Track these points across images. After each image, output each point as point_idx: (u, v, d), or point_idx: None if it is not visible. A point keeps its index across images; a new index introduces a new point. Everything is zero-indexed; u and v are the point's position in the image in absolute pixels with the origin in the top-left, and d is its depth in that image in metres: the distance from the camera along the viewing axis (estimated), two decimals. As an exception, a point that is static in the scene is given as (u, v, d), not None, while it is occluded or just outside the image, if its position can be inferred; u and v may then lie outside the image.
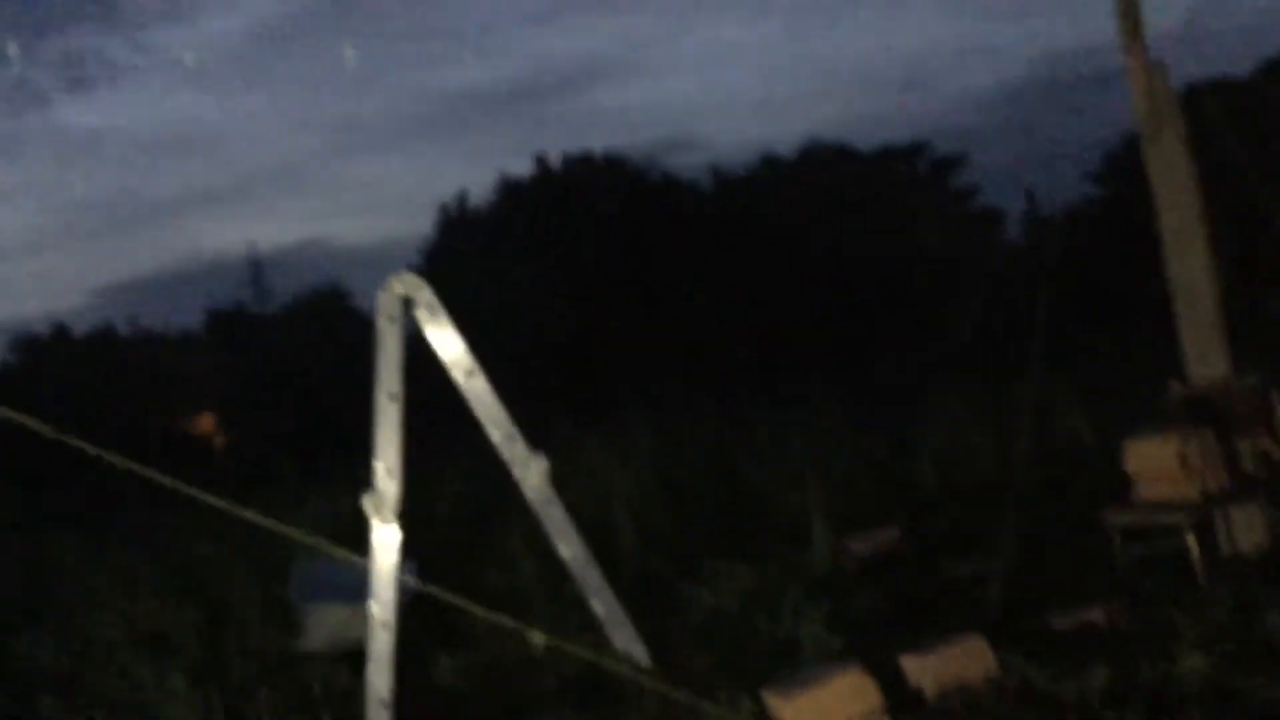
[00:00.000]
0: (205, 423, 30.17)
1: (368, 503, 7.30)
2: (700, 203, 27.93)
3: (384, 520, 7.25)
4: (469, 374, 7.55)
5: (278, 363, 28.78)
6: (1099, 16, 8.93)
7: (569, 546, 7.77)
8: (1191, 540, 7.53)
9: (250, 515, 6.01)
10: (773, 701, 6.12)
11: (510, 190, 30.24)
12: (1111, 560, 7.88)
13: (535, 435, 8.15)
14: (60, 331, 32.25)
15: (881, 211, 24.36)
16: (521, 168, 30.60)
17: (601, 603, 7.79)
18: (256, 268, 33.88)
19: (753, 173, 28.81)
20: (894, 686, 6.21)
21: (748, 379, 18.38)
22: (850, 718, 5.94)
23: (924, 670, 6.28)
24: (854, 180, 25.87)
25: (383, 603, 7.31)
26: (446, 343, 7.52)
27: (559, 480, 7.86)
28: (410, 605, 7.89)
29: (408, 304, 7.51)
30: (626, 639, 7.71)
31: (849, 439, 12.16)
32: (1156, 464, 7.83)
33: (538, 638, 6.55)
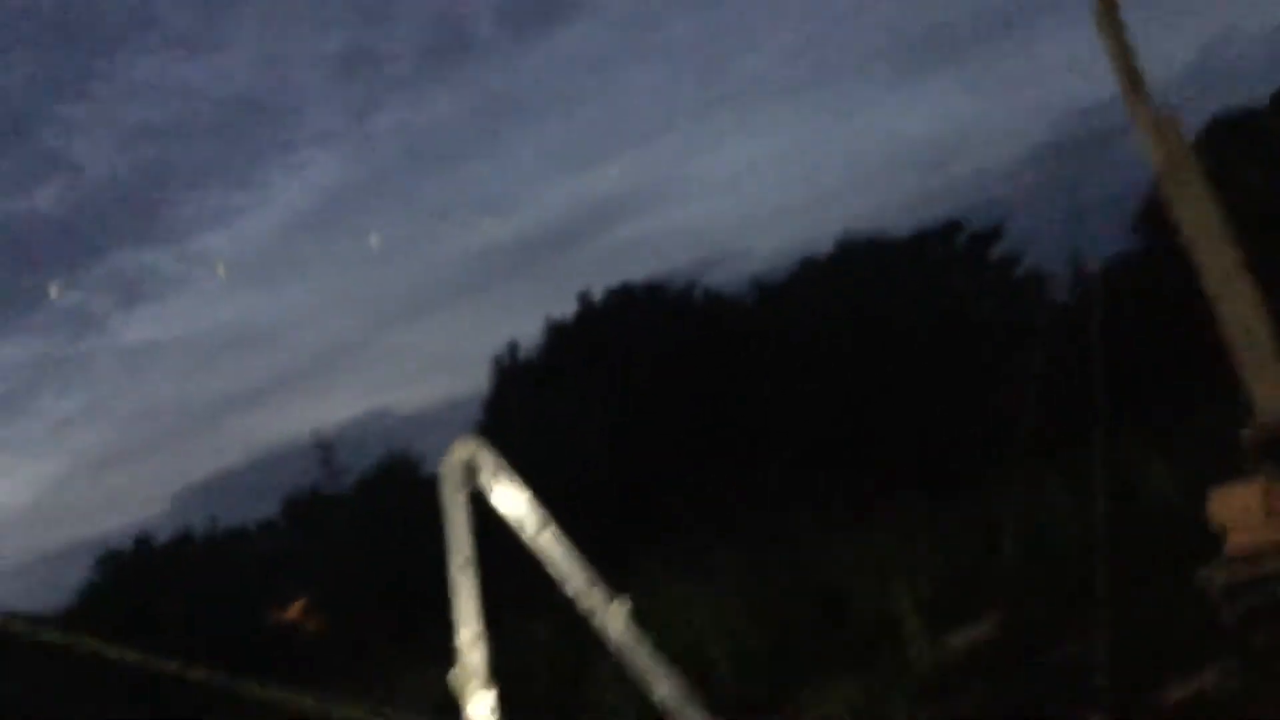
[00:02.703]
0: (295, 610, 30.27)
1: (456, 677, 7.31)
2: (744, 315, 28.03)
3: (472, 691, 7.24)
4: (538, 530, 7.60)
5: (357, 538, 28.93)
6: (1107, 70, 8.95)
7: (662, 686, 7.69)
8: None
9: (346, 711, 6.03)
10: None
11: (558, 333, 30.55)
12: (1215, 618, 7.63)
13: (613, 573, 8.12)
14: (142, 542, 32.71)
15: (922, 293, 24.27)
16: (567, 309, 31.03)
17: (707, 741, 7.68)
18: (324, 449, 34.33)
19: (793, 277, 28.92)
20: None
21: (817, 486, 18.18)
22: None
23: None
24: (891, 268, 25.86)
25: (488, 772, 7.26)
26: (512, 502, 7.59)
27: (643, 618, 7.81)
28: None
29: (471, 468, 7.61)
30: (737, 773, 7.57)
31: (929, 531, 11.94)
32: (1243, 512, 7.62)
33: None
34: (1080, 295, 21.00)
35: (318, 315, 71.01)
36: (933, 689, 8.04)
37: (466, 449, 7.71)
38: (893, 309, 23.29)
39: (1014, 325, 20.58)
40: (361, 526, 29.14)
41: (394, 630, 22.78)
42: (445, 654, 7.77)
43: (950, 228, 29.42)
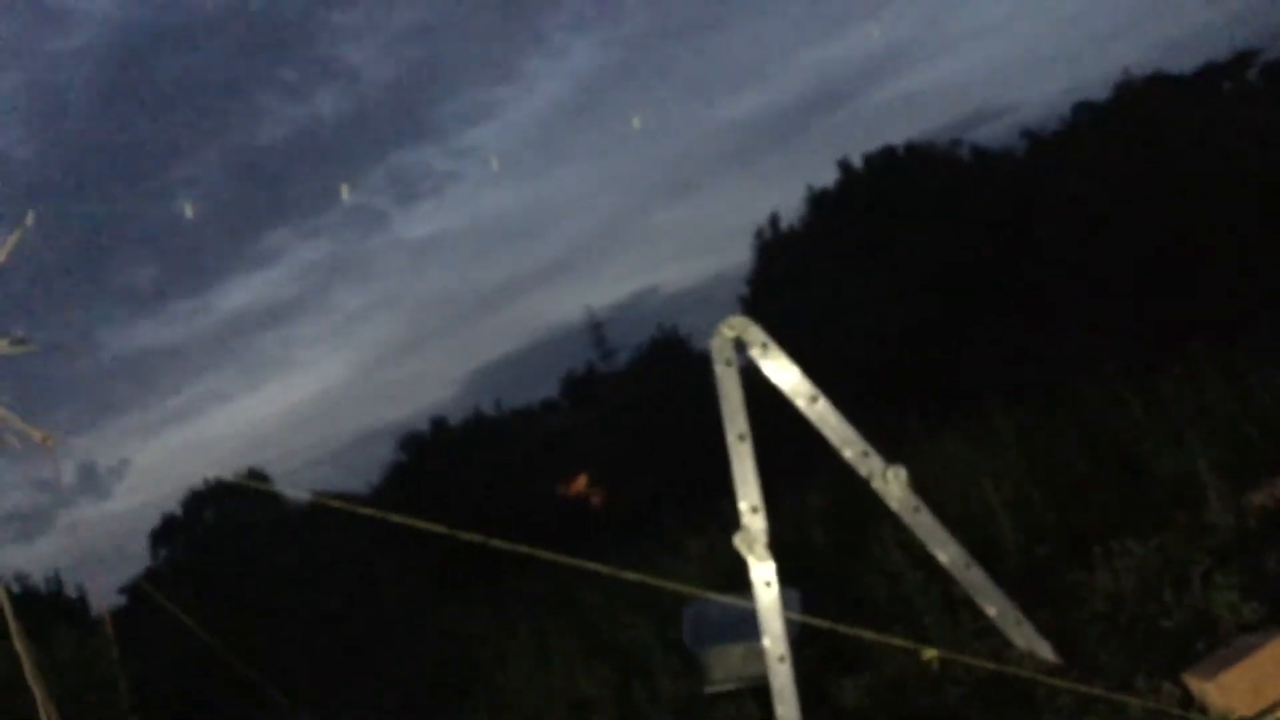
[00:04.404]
0: (579, 483, 31.84)
1: (739, 543, 7.49)
2: (1015, 169, 26.83)
3: (758, 558, 7.41)
4: (811, 400, 7.63)
5: (633, 415, 29.98)
6: None
7: (945, 551, 7.66)
8: None
9: (633, 575, 6.31)
10: (1196, 684, 5.76)
11: (819, 202, 30.23)
12: None
13: (889, 442, 8.09)
14: (439, 424, 35.09)
15: (1212, 132, 22.49)
16: (828, 178, 30.62)
17: (992, 603, 7.61)
18: (596, 330, 35.71)
19: (1067, 125, 27.43)
20: (1331, 648, 5.70)
21: (1104, 342, 17.38)
22: (1287, 689, 5.51)
23: (1364, 626, 5.74)
24: (1176, 107, 24.04)
25: (774, 637, 7.46)
26: (783, 375, 7.64)
27: (922, 485, 7.77)
28: (801, 634, 8.00)
29: (739, 344, 7.70)
30: (1027, 637, 7.48)
31: (1227, 385, 11.23)
32: None
33: (930, 654, 6.47)
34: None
35: (583, 200, 72.88)
36: (1235, 550, 7.64)
37: (734, 326, 7.77)
38: (1180, 151, 21.71)
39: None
40: (636, 403, 30.12)
41: (673, 501, 23.57)
42: (724, 524, 7.98)
43: (1241, 59, 27.10)
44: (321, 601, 26.07)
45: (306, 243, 74.42)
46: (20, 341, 7.64)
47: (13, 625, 8.37)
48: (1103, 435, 11.41)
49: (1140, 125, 23.74)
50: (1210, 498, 8.50)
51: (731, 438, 7.55)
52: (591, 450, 31.04)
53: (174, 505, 33.83)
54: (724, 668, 9.44)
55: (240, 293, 75.84)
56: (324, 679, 18.49)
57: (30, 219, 7.50)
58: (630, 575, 6.30)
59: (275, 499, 31.16)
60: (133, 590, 26.15)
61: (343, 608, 25.69)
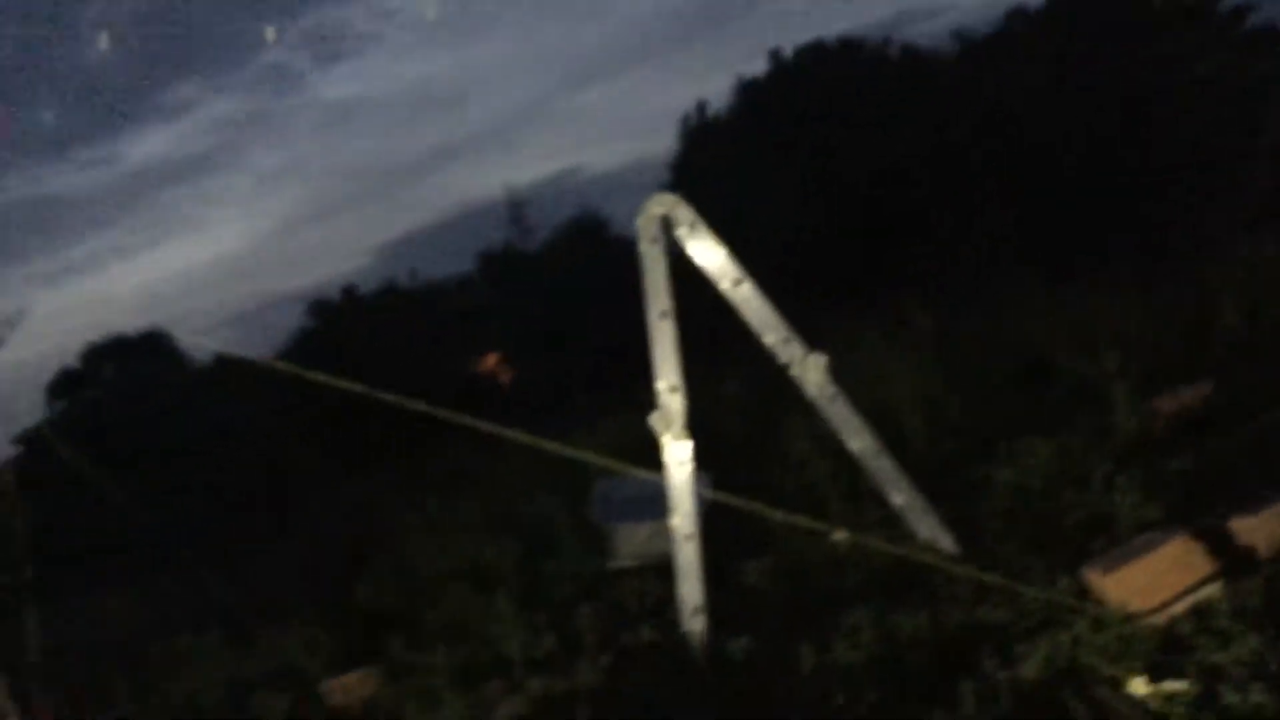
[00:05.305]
0: (490, 361, 31.62)
1: (656, 421, 7.46)
2: (944, 70, 26.73)
3: (674, 436, 7.39)
4: (736, 282, 7.56)
5: (549, 295, 29.74)
6: None
7: (858, 440, 7.71)
8: None
9: (550, 445, 6.24)
10: (1094, 578, 5.88)
11: (748, 91, 29.87)
12: None
13: (809, 332, 8.09)
14: (350, 293, 34.44)
15: (1141, 46, 22.60)
16: (757, 69, 30.26)
17: (899, 493, 7.71)
18: (516, 208, 35.05)
19: (998, 30, 27.35)
20: (1223, 550, 5.86)
21: (1022, 249, 17.57)
22: (1182, 586, 5.66)
23: (1256, 530, 5.89)
24: (1107, 19, 24.08)
25: (683, 515, 7.49)
26: (709, 255, 7.55)
27: (839, 374, 7.78)
28: (709, 514, 8.04)
29: (666, 223, 7.57)
30: (930, 528, 7.60)
31: (1144, 295, 11.40)
32: None
33: (840, 535, 6.52)
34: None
35: (507, 75, 71.36)
36: (1139, 453, 7.81)
37: (663, 203, 7.63)
38: (1108, 63, 21.77)
39: (1244, 82, 19.05)
40: (553, 283, 29.86)
41: (585, 384, 23.57)
42: (639, 405, 7.93)
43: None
44: (221, 468, 25.75)
45: (219, 97, 72.09)
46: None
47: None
48: (1016, 341, 11.56)
49: (1070, 36, 23.73)
50: (1117, 402, 8.65)
51: (653, 316, 7.46)
52: (505, 328, 30.82)
53: (72, 359, 33.04)
54: (630, 544, 9.50)
55: (148, 144, 73.49)
56: (222, 544, 18.31)
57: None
58: (546, 445, 6.23)
59: (177, 359, 30.52)
60: (28, 440, 25.55)
61: (243, 476, 25.41)
